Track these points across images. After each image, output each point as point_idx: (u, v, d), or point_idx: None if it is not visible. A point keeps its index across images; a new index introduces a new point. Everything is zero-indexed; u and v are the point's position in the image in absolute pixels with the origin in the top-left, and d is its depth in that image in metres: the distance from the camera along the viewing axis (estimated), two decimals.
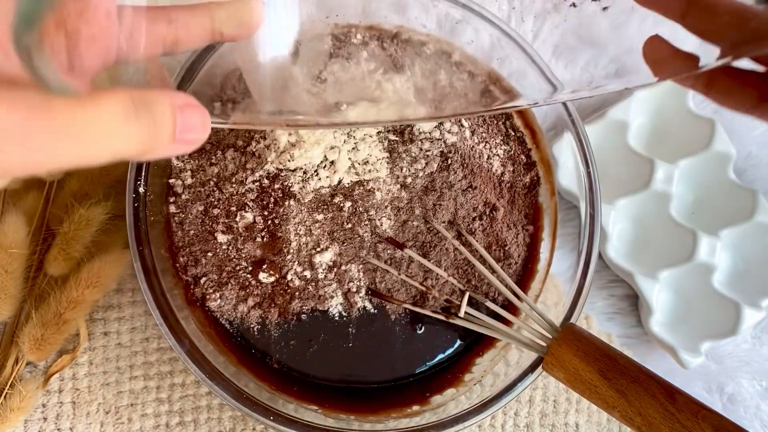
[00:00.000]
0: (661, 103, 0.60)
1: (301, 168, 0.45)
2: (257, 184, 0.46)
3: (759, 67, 0.33)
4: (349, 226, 0.47)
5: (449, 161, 0.48)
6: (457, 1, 0.50)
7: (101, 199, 0.48)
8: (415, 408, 0.49)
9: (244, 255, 0.47)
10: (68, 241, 0.46)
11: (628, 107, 0.58)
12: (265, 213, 0.46)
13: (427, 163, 0.48)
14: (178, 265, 0.48)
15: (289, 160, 0.44)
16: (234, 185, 0.47)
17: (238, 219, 0.46)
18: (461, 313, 0.46)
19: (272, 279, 0.47)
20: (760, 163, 0.62)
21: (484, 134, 0.52)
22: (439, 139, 0.48)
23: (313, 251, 0.47)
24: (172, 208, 0.48)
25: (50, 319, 0.45)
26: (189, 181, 0.48)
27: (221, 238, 0.47)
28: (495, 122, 0.54)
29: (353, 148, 0.46)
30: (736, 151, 0.58)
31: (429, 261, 0.48)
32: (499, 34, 0.51)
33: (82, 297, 0.46)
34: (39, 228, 0.48)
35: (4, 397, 0.46)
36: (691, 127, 0.59)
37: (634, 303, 0.60)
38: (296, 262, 0.47)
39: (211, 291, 0.47)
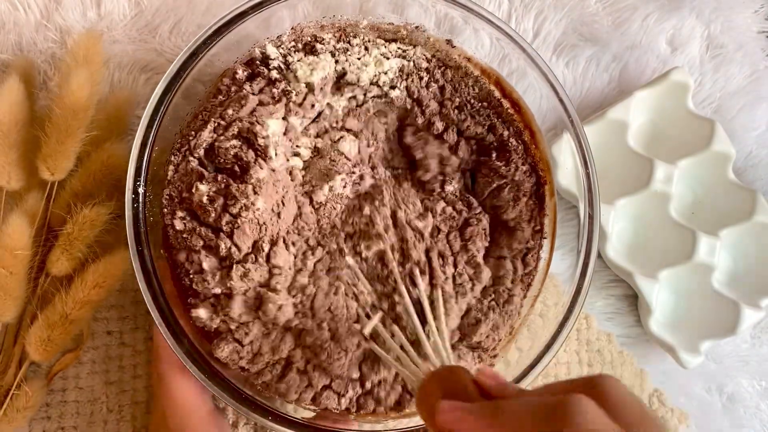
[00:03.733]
0: (660, 103, 0.59)
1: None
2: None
3: None
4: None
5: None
6: (456, 1, 0.50)
7: (104, 198, 0.48)
8: (415, 407, 0.49)
9: None
10: (71, 242, 0.46)
11: (627, 107, 0.58)
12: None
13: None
14: None
15: None
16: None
17: None
18: (366, 332, 0.42)
19: None
20: (760, 163, 0.62)
21: None
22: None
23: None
24: None
25: (57, 320, 0.45)
26: None
27: None
28: None
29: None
30: (735, 151, 0.58)
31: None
32: (499, 34, 0.50)
33: (88, 297, 0.45)
34: (41, 229, 0.48)
35: (11, 398, 0.46)
36: (690, 127, 0.59)
37: (633, 303, 0.60)
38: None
39: None
